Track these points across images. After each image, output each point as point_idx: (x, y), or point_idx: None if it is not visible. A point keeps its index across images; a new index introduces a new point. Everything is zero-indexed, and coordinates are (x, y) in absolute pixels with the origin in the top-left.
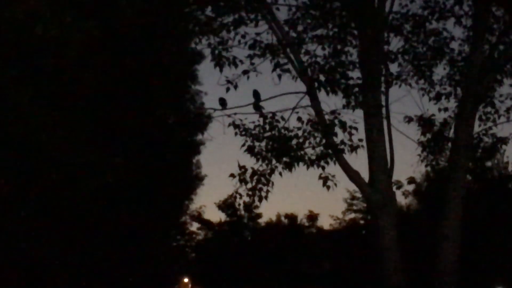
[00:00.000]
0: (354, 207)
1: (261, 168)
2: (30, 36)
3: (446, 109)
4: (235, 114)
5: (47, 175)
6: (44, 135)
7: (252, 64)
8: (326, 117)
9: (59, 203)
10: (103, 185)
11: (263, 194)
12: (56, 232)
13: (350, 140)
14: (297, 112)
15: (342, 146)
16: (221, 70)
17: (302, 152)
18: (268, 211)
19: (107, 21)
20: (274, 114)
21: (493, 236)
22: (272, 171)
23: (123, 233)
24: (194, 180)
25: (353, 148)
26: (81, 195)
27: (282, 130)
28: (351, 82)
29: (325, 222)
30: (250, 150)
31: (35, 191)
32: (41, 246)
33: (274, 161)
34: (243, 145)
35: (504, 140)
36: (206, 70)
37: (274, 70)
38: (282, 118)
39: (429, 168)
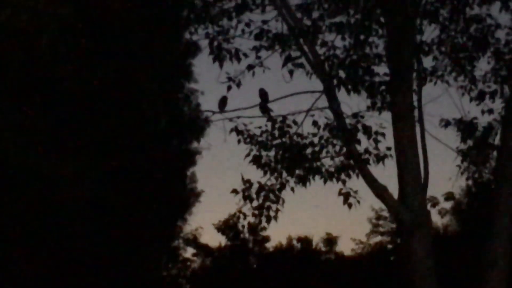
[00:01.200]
0: (381, 229)
1: (269, 183)
2: None
3: (491, 111)
4: (238, 117)
5: (17, 187)
6: (14, 141)
7: (258, 57)
8: (347, 121)
9: (31, 218)
10: (79, 204)
11: (272, 213)
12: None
13: (376, 148)
14: (313, 115)
15: (367, 156)
16: (221, 65)
17: (319, 163)
18: (277, 233)
19: (86, 6)
20: (284, 117)
21: None
22: (283, 186)
23: (104, 262)
24: (188, 197)
25: (380, 158)
26: (54, 212)
27: (295, 137)
28: (376, 79)
29: (345, 247)
30: (256, 160)
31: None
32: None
33: (285, 174)
34: (248, 154)
35: None
36: (203, 65)
37: (284, 64)
38: (295, 122)
39: (470, 182)
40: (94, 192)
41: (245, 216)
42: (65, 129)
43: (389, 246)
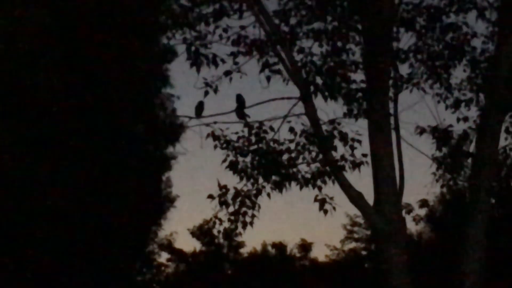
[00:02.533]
0: (355, 235)
1: (245, 188)
2: None
3: (466, 119)
4: (214, 123)
5: None
6: None
7: (235, 63)
8: (324, 127)
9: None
10: (51, 207)
11: (248, 219)
12: None
13: (352, 155)
14: (289, 122)
15: (343, 163)
16: (198, 71)
17: (295, 170)
18: (252, 239)
19: (62, 11)
20: (261, 123)
21: None
22: (259, 192)
23: (77, 267)
24: (163, 202)
25: (356, 165)
26: (24, 217)
27: (271, 143)
28: (353, 86)
29: (320, 253)
30: (233, 166)
31: None
32: None
33: (261, 180)
34: (224, 160)
35: None
36: (179, 70)
37: (262, 71)
38: (271, 128)
39: (445, 189)
40: (68, 197)
41: (221, 221)
42: (39, 134)
43: (364, 252)
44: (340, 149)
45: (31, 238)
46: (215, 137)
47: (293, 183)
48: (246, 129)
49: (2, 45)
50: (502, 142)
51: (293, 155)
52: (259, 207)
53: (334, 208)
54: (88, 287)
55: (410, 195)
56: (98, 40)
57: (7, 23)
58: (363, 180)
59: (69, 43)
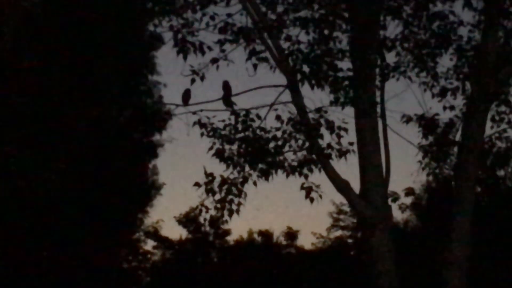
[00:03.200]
0: (341, 223)
1: (232, 176)
2: None
3: (452, 108)
4: (201, 110)
5: None
6: None
7: (222, 51)
8: (310, 115)
9: None
10: (39, 196)
11: (234, 207)
12: None
13: (339, 143)
14: (276, 110)
15: (329, 151)
16: (185, 58)
17: (281, 158)
18: (238, 227)
19: None
20: (248, 111)
21: (508, 259)
22: (245, 180)
23: (63, 254)
24: (149, 190)
25: (342, 153)
26: (13, 204)
27: (258, 131)
28: (340, 74)
29: (306, 241)
30: (219, 154)
31: None
32: None
33: (247, 168)
34: (211, 148)
35: None
36: (166, 57)
37: (248, 58)
38: (258, 116)
39: (431, 178)
40: (54, 184)
41: (207, 209)
42: (27, 120)
43: (350, 240)
44: (327, 137)
45: (20, 225)
46: (202, 125)
47: (279, 171)
48: (232, 117)
49: None
50: (488, 131)
51: (279, 143)
52: (246, 195)
53: (320, 196)
54: (75, 273)
55: (396, 184)
56: (85, 26)
57: None
58: (349, 169)
59: (55, 29)
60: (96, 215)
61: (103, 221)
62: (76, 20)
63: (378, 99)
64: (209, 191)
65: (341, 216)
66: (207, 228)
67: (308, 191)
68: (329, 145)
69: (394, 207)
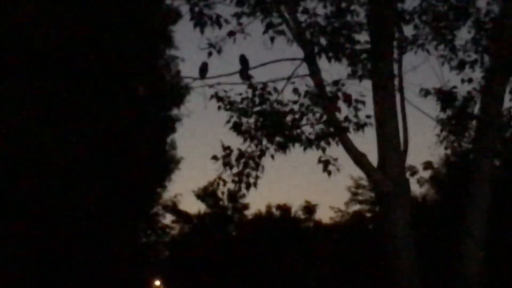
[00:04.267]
0: (360, 197)
1: (249, 150)
2: None
3: (470, 80)
4: (218, 84)
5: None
6: None
7: (239, 24)
8: (328, 88)
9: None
10: (59, 170)
11: (252, 180)
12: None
13: (356, 116)
14: (293, 83)
15: (347, 124)
16: (202, 31)
17: (299, 131)
18: (256, 201)
19: None
20: (265, 84)
21: None
22: (263, 153)
23: (82, 227)
24: (168, 164)
25: (360, 126)
26: (32, 181)
27: (275, 104)
28: (357, 47)
29: (324, 215)
30: (236, 127)
31: None
32: None
33: (265, 141)
34: (228, 121)
35: None
36: (183, 31)
37: (265, 31)
38: (275, 89)
39: (449, 151)
40: (74, 158)
41: (224, 182)
42: (46, 95)
43: (368, 214)
44: (344, 110)
45: (38, 200)
46: (219, 98)
47: (297, 145)
48: (250, 90)
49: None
50: (507, 104)
51: (297, 116)
52: (263, 168)
53: (338, 170)
54: (93, 249)
55: (414, 157)
56: (103, 2)
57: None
58: (367, 142)
59: (74, 5)
60: (114, 189)
61: (122, 195)
62: None
63: (395, 72)
64: (227, 164)
65: (359, 190)
66: (226, 203)
67: (325, 164)
68: (346, 118)
69: (412, 181)
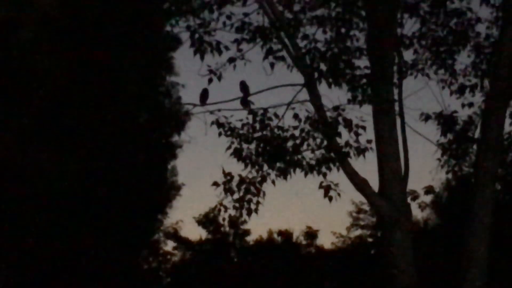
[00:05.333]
0: (361, 222)
1: (250, 176)
2: None
3: (471, 105)
4: (218, 110)
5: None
6: None
7: (239, 50)
8: (328, 114)
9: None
10: (55, 195)
11: (253, 206)
12: None
13: (357, 141)
14: (293, 108)
15: (347, 149)
16: (202, 58)
17: (300, 156)
18: (258, 227)
19: None
20: (265, 110)
21: None
22: (264, 179)
23: (82, 253)
24: (169, 190)
25: (360, 151)
26: (28, 206)
27: (276, 130)
28: (357, 72)
29: (326, 240)
30: (237, 153)
31: None
32: None
33: (265, 167)
34: (229, 147)
35: None
36: (183, 58)
37: (265, 57)
38: (276, 115)
39: (450, 175)
40: (74, 185)
41: (226, 209)
42: (45, 123)
43: (370, 239)
44: (345, 136)
45: (38, 225)
46: (220, 125)
47: (297, 170)
48: (250, 116)
49: (4, 32)
50: (507, 128)
51: (297, 141)
52: (264, 194)
53: (339, 195)
54: (95, 275)
55: (415, 182)
56: (103, 27)
57: (11, 9)
58: (368, 167)
59: (73, 30)
60: (115, 216)
61: (123, 222)
62: (93, 22)
63: (396, 97)
64: (228, 190)
65: (361, 215)
66: (227, 229)
67: (326, 190)
68: (347, 144)
69: (414, 206)
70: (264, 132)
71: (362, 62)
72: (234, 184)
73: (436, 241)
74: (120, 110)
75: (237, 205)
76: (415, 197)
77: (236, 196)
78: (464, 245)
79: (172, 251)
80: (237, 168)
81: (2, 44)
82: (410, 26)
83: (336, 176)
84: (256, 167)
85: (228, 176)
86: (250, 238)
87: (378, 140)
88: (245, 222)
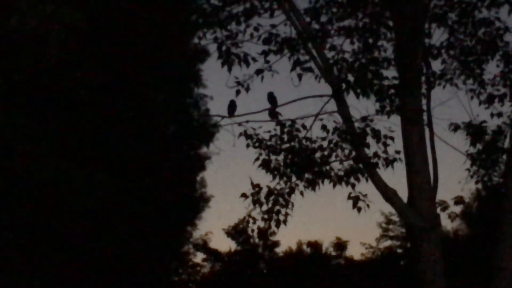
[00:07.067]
0: (390, 233)
1: (278, 187)
2: (3, 30)
3: (500, 115)
4: (246, 122)
5: (22, 192)
6: (20, 146)
7: (266, 62)
8: (356, 124)
9: (34, 226)
10: (87, 207)
11: (281, 217)
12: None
13: (385, 152)
14: (321, 119)
15: (376, 160)
16: (229, 70)
17: (328, 167)
18: (287, 238)
19: (95, 11)
20: (293, 121)
21: None
22: (292, 190)
23: (113, 268)
24: (198, 202)
25: (389, 162)
26: (61, 218)
27: (304, 141)
28: (385, 82)
29: (355, 251)
30: (265, 165)
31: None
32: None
33: (294, 178)
34: (257, 159)
35: None
36: (211, 70)
37: (293, 69)
38: (304, 126)
39: (480, 186)
40: (103, 198)
41: (254, 220)
42: (73, 134)
43: (399, 250)
44: (373, 146)
45: (70, 238)
46: (248, 136)
47: (326, 181)
48: (278, 128)
49: (32, 44)
50: None
51: (325, 152)
52: (293, 205)
53: (368, 206)
54: (127, 286)
55: (445, 192)
56: (130, 41)
57: (38, 22)
58: (396, 177)
59: (101, 43)
60: (145, 228)
61: (153, 234)
62: (121, 34)
63: (424, 107)
64: (256, 202)
65: (390, 226)
66: (256, 240)
67: (355, 200)
68: (375, 154)
69: (443, 216)
70: (292, 143)
71: (390, 73)
72: (262, 195)
73: (466, 251)
74: (149, 122)
75: (265, 216)
76: (444, 207)
77: (264, 207)
78: (494, 255)
79: (201, 262)
80: (265, 180)
81: (32, 56)
82: (438, 36)
83: (365, 186)
84: (285, 178)
85: (257, 187)
86: (279, 250)
87: (406, 150)
88: (274, 233)
